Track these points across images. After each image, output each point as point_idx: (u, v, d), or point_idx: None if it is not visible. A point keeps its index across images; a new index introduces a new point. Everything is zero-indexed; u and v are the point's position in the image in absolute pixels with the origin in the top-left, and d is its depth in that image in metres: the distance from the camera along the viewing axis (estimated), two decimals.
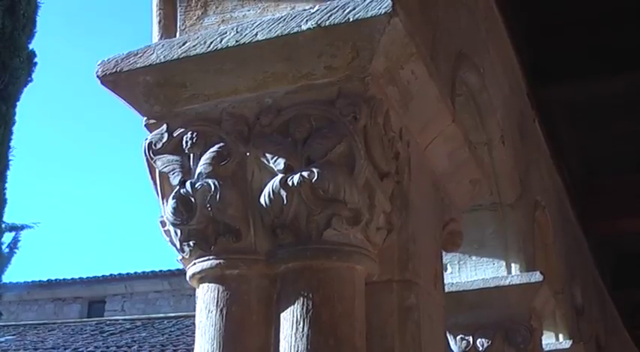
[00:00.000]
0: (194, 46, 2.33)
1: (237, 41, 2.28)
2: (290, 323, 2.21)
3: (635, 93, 6.35)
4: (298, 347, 2.17)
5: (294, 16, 2.24)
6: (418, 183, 2.70)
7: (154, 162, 2.40)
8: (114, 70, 2.40)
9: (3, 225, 13.38)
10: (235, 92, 2.37)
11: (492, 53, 4.67)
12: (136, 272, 22.46)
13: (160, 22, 2.64)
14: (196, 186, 2.29)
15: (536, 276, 4.73)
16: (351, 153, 2.24)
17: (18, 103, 12.83)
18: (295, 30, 2.23)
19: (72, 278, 23.16)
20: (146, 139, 2.43)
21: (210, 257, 2.31)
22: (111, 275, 22.73)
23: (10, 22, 12.24)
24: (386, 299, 2.46)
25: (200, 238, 2.32)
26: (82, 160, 64.62)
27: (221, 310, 2.28)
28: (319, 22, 2.21)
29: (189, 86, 2.39)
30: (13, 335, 19.01)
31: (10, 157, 12.82)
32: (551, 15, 5.84)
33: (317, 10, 2.22)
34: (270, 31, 2.25)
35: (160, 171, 2.39)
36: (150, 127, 2.46)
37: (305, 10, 2.25)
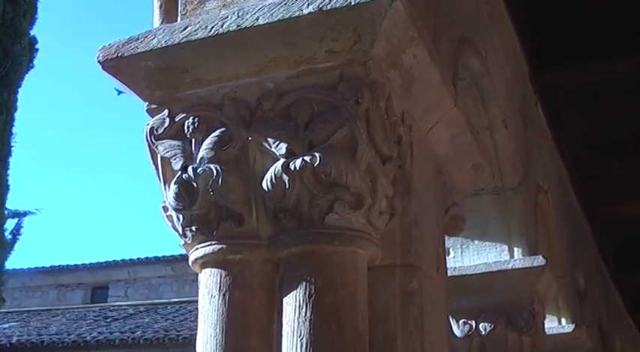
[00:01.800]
0: (195, 30, 2.32)
1: (238, 26, 2.26)
2: (293, 308, 2.21)
3: (636, 78, 6.33)
4: (301, 331, 2.17)
5: None
6: (420, 168, 2.69)
7: (156, 147, 2.39)
8: (115, 55, 2.39)
9: (6, 212, 13.41)
10: (237, 77, 2.36)
11: (495, 37, 4.65)
12: (138, 258, 22.54)
13: (161, 6, 2.63)
14: (198, 171, 2.29)
15: (539, 260, 4.74)
16: (353, 137, 2.23)
17: (19, 90, 12.85)
18: (297, 14, 2.21)
19: (75, 265, 23.24)
20: (147, 125, 2.42)
21: (213, 242, 2.31)
22: (114, 261, 22.80)
23: (11, 9, 12.24)
24: (388, 283, 2.46)
25: (202, 223, 2.32)
26: (84, 147, 64.69)
27: (224, 295, 2.28)
28: (320, 6, 2.19)
29: (191, 71, 2.38)
30: (17, 321, 19.10)
31: (12, 144, 12.86)
32: None
33: None
34: (271, 15, 2.24)
35: (161, 157, 2.39)
36: (151, 112, 2.45)
37: None
